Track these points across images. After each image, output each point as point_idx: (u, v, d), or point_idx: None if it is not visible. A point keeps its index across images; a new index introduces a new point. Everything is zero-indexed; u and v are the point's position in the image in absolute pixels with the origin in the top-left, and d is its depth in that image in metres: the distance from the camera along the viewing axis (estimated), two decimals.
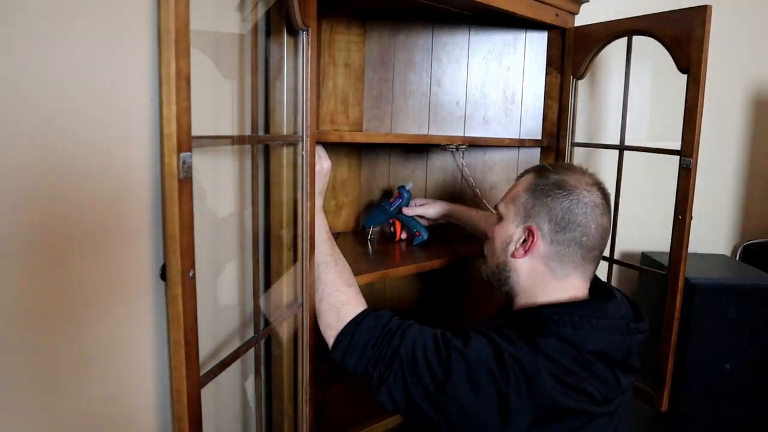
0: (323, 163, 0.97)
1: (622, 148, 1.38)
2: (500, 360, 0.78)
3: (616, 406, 0.84)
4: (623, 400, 0.87)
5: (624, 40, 1.34)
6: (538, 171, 0.93)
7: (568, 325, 0.81)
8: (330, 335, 0.91)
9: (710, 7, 1.14)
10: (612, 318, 0.84)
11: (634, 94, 1.37)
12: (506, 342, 0.80)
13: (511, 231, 0.91)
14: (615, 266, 1.44)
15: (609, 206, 0.90)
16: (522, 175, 0.97)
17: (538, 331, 0.81)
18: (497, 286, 0.96)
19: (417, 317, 0.93)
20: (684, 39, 1.18)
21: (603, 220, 0.87)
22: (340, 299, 0.92)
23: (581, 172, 0.91)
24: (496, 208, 0.97)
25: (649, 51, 1.32)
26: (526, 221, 0.89)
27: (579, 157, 1.51)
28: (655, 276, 1.36)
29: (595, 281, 0.94)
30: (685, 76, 1.19)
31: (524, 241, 0.89)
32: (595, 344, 0.81)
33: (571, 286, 0.89)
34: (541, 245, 0.88)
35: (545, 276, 0.89)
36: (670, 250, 1.25)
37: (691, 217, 1.21)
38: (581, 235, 0.86)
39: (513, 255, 0.90)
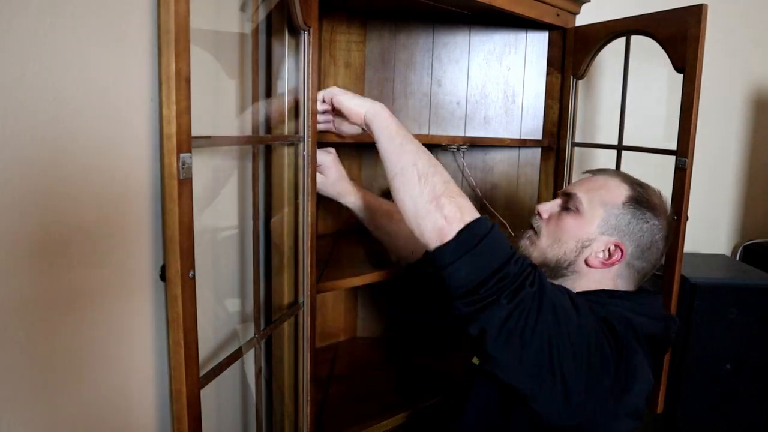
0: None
1: (620, 148, 1.38)
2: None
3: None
4: None
5: (622, 40, 1.34)
6: (630, 184, 0.89)
7: (627, 308, 0.80)
8: (452, 227, 0.74)
9: (705, 6, 1.13)
10: (657, 308, 0.86)
11: (632, 95, 1.36)
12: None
13: (592, 235, 0.86)
14: None
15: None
16: (604, 173, 0.93)
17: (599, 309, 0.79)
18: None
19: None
20: (680, 38, 1.17)
21: (665, 252, 0.90)
22: (455, 190, 0.79)
23: (660, 197, 0.90)
24: (570, 195, 0.89)
25: (648, 51, 1.32)
26: (614, 235, 0.85)
27: (575, 156, 1.51)
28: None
29: None
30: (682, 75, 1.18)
31: (608, 254, 0.85)
32: (650, 328, 0.80)
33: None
34: (619, 264, 0.86)
35: (607, 288, 0.87)
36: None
37: (687, 218, 1.20)
38: (651, 267, 0.87)
39: (587, 261, 0.86)
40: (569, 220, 0.88)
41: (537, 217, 0.95)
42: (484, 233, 0.73)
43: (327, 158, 1.09)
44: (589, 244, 0.86)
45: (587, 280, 0.86)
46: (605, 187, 0.89)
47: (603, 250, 0.85)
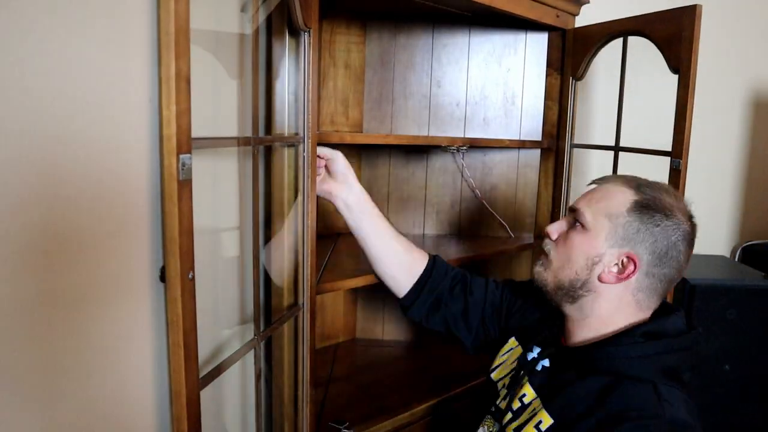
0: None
1: (617, 149, 1.38)
2: None
3: None
4: None
5: (620, 42, 1.34)
6: (636, 187, 0.83)
7: (680, 357, 0.77)
8: None
9: (700, 6, 1.13)
10: (690, 339, 0.79)
11: (629, 96, 1.37)
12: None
13: (602, 250, 0.81)
14: None
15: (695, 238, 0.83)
16: (608, 181, 0.87)
17: (653, 372, 0.75)
18: (559, 300, 0.86)
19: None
20: (675, 39, 1.17)
21: (689, 253, 0.81)
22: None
23: (675, 195, 0.83)
24: (575, 211, 0.86)
25: (646, 52, 1.32)
26: (625, 246, 0.80)
27: (573, 158, 1.52)
28: None
29: None
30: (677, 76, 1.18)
31: (621, 267, 0.80)
32: (688, 374, 0.77)
33: (645, 314, 0.83)
34: (635, 275, 0.80)
35: (630, 306, 0.82)
36: None
37: None
38: (676, 272, 0.80)
39: (600, 278, 0.81)
40: (576, 238, 0.84)
41: (547, 240, 0.90)
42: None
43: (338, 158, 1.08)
44: (599, 260, 0.81)
45: (605, 299, 0.81)
46: (608, 196, 0.84)
47: (615, 264, 0.80)
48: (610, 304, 0.81)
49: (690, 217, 0.82)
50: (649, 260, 0.79)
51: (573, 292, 0.83)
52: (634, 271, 0.79)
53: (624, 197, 0.82)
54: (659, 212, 0.79)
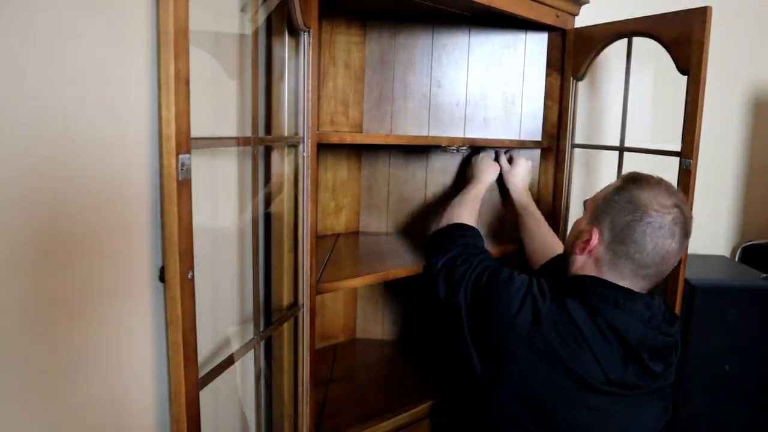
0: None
1: (622, 149, 1.38)
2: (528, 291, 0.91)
3: (619, 392, 0.85)
4: (630, 398, 0.87)
5: (624, 42, 1.34)
6: (625, 180, 0.96)
7: (598, 296, 0.87)
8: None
9: (710, 8, 1.14)
10: (639, 307, 0.87)
11: (634, 96, 1.36)
12: (538, 292, 0.90)
13: (582, 227, 0.97)
14: None
15: (682, 230, 0.89)
16: (616, 180, 1.01)
17: (570, 293, 0.89)
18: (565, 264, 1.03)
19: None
20: (684, 40, 1.17)
21: (665, 243, 0.88)
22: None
23: (662, 191, 0.91)
24: (584, 202, 1.04)
25: (650, 52, 1.32)
26: (593, 223, 0.94)
27: (578, 158, 1.51)
28: None
29: None
30: (685, 77, 1.19)
31: (586, 240, 0.94)
32: (612, 317, 0.85)
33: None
34: (597, 248, 0.92)
35: (592, 273, 0.94)
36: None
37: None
38: (634, 251, 0.88)
39: (575, 250, 0.96)
40: (577, 221, 1.02)
41: None
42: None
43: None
44: (579, 235, 0.96)
45: (574, 265, 0.97)
46: (605, 188, 0.98)
47: (584, 237, 0.94)
48: (575, 271, 0.96)
49: (672, 210, 0.89)
50: (609, 236, 0.91)
51: (567, 259, 1.00)
52: (595, 243, 0.92)
53: (610, 188, 0.96)
54: (624, 201, 0.91)
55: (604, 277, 0.91)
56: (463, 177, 1.55)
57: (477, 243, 1.11)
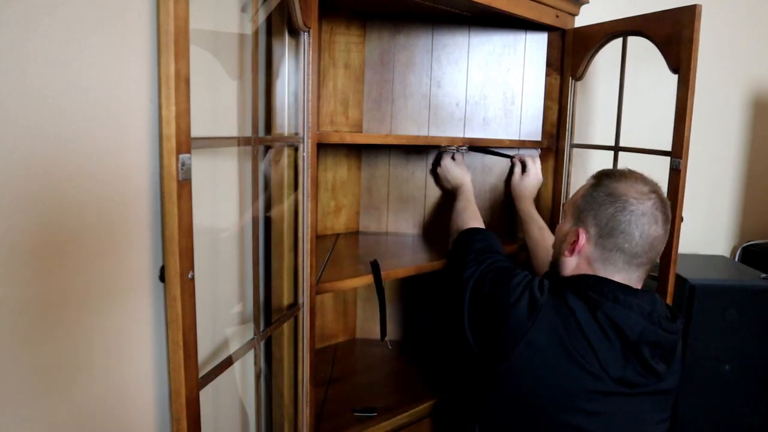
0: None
1: (616, 149, 1.38)
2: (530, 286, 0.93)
3: (619, 391, 0.85)
4: (631, 399, 0.87)
5: (619, 42, 1.34)
6: (598, 177, 0.98)
7: (598, 292, 0.88)
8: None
9: (699, 6, 1.13)
10: (640, 302, 0.87)
11: (629, 95, 1.36)
12: (538, 287, 0.92)
13: (566, 230, 0.98)
14: None
15: (663, 215, 0.91)
16: (589, 179, 1.02)
17: (570, 289, 0.90)
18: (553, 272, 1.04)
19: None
20: (674, 39, 1.17)
21: (651, 229, 0.90)
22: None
23: (636, 180, 0.93)
24: (562, 205, 1.05)
25: (646, 52, 1.32)
26: (577, 224, 0.95)
27: (574, 157, 1.51)
28: (648, 277, 1.36)
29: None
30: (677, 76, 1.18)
31: (573, 242, 0.94)
32: (612, 312, 0.85)
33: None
34: (586, 247, 0.93)
35: (586, 272, 0.95)
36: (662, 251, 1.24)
37: (681, 219, 1.21)
38: (623, 241, 0.89)
39: (563, 253, 0.97)
40: (558, 226, 1.03)
41: None
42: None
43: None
44: (564, 238, 0.97)
45: (565, 268, 0.97)
46: (581, 188, 1.00)
47: (570, 240, 0.95)
48: (567, 273, 0.96)
49: (651, 196, 0.91)
50: (595, 232, 0.92)
51: (555, 266, 1.01)
52: (583, 243, 0.93)
53: (586, 187, 0.97)
54: (603, 195, 0.92)
55: (599, 274, 0.91)
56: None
57: (489, 244, 1.12)
